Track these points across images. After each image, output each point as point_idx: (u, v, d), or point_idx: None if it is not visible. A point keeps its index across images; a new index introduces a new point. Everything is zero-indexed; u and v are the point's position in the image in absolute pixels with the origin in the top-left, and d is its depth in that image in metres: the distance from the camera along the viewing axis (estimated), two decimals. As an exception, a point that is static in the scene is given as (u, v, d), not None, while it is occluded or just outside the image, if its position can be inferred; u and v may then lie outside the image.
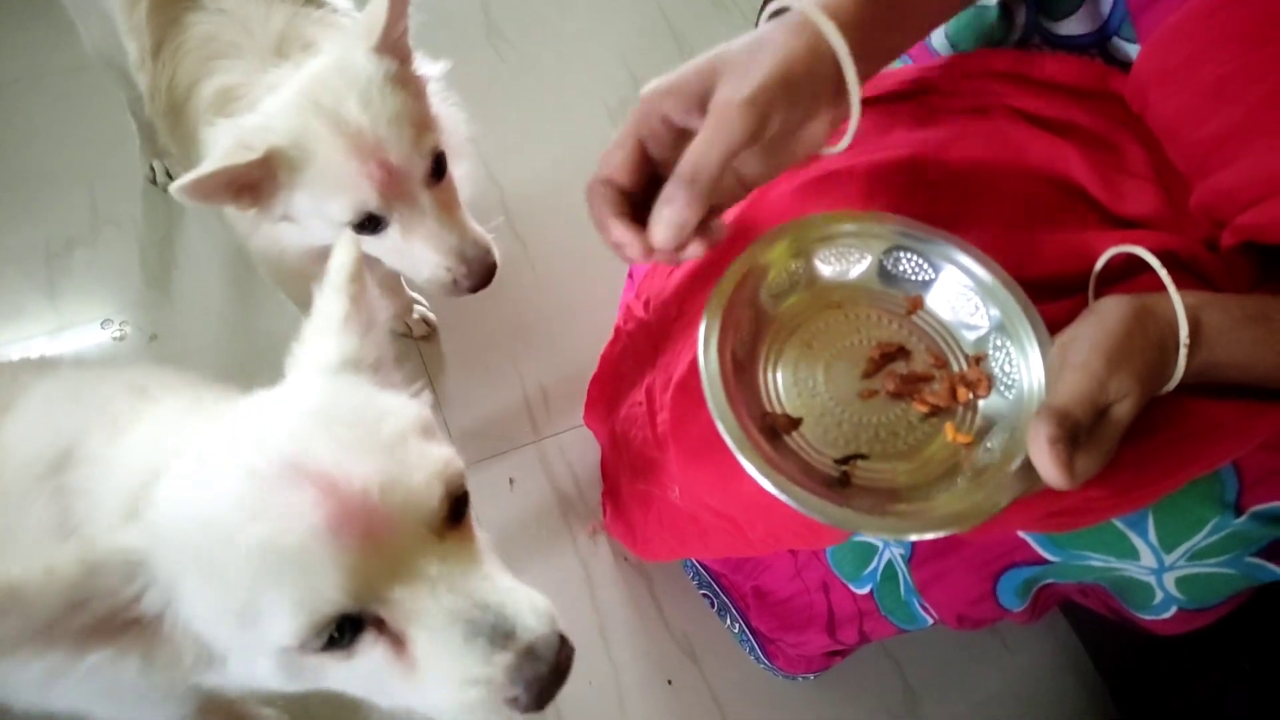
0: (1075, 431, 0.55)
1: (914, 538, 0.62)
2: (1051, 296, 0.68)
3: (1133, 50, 0.73)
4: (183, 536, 0.50)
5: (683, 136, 0.61)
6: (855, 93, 0.61)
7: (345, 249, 0.63)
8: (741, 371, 0.68)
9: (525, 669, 0.51)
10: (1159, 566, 0.68)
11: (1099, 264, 0.68)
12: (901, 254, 0.72)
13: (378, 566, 0.50)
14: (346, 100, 0.86)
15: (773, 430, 0.66)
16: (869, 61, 0.65)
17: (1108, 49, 0.79)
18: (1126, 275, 0.68)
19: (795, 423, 0.67)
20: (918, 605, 0.86)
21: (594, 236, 0.85)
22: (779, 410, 0.68)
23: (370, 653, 0.52)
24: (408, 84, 0.91)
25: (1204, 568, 0.68)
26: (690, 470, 0.90)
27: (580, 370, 1.32)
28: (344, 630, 0.50)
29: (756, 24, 0.64)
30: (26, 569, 0.47)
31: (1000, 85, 0.78)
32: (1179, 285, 0.61)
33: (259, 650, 0.51)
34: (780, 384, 0.69)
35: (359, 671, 0.52)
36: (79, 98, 1.66)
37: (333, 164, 0.85)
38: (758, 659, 1.22)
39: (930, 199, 0.74)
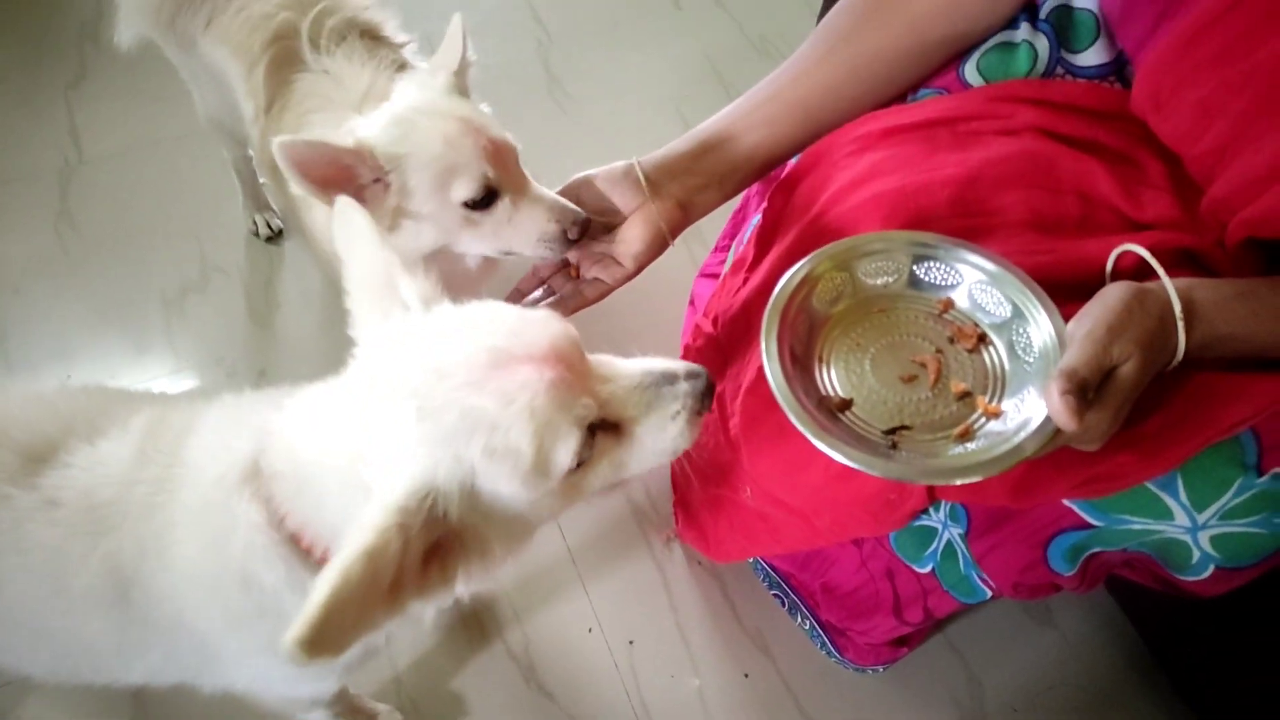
0: (1084, 387, 0.65)
1: (959, 482, 0.72)
2: (1078, 297, 0.77)
3: None
4: (455, 447, 0.63)
5: None
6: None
7: (346, 213, 0.74)
8: (799, 364, 0.79)
9: (696, 383, 0.74)
10: (1193, 525, 0.76)
11: (1110, 260, 0.78)
12: (929, 263, 0.83)
13: (584, 386, 0.69)
14: (441, 101, 0.99)
15: (829, 411, 0.77)
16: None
17: (1124, 75, 0.89)
18: (1143, 276, 0.77)
19: (847, 403, 0.78)
20: (976, 578, 0.94)
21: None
22: (833, 394, 0.78)
23: (599, 456, 0.71)
24: None
25: (1236, 527, 0.75)
26: (761, 466, 1.00)
27: (648, 391, 1.43)
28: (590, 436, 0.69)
29: None
30: (357, 539, 0.57)
31: (1027, 109, 0.88)
32: (1192, 278, 0.70)
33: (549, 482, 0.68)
34: (833, 374, 0.80)
35: (601, 471, 0.72)
36: (185, 162, 1.84)
37: (450, 146, 0.96)
38: (829, 653, 1.30)
39: (970, 211, 0.85)
